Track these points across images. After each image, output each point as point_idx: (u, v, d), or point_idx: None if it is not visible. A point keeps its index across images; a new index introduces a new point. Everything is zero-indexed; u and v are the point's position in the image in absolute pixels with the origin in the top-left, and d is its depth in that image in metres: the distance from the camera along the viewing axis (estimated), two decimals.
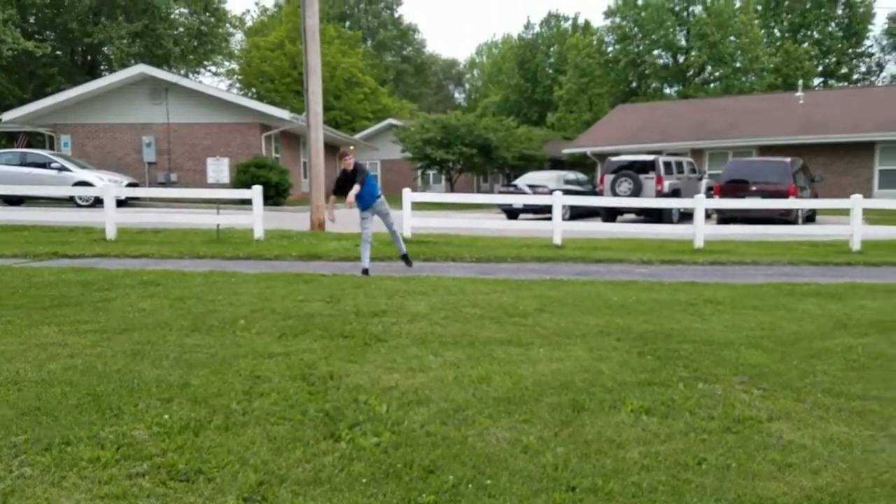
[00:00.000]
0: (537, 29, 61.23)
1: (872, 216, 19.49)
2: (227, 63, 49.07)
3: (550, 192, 15.59)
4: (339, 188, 9.99)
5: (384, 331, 6.10)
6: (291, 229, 15.07)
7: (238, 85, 52.02)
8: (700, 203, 13.72)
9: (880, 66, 55.67)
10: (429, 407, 4.18)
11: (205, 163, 25.93)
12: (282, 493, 3.07)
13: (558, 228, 13.82)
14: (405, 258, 10.65)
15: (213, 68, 48.01)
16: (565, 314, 7.03)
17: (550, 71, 57.99)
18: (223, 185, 24.61)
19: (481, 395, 4.41)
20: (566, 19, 61.21)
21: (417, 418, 3.98)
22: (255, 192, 13.54)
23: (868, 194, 25.35)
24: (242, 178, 23.12)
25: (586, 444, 3.69)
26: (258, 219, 13.44)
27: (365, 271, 9.71)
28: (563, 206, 21.38)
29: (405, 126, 37.12)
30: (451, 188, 35.82)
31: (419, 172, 37.20)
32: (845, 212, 15.70)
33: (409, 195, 13.71)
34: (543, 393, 4.50)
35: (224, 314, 6.62)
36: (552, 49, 59.29)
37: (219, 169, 25.50)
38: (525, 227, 15.95)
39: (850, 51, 53.22)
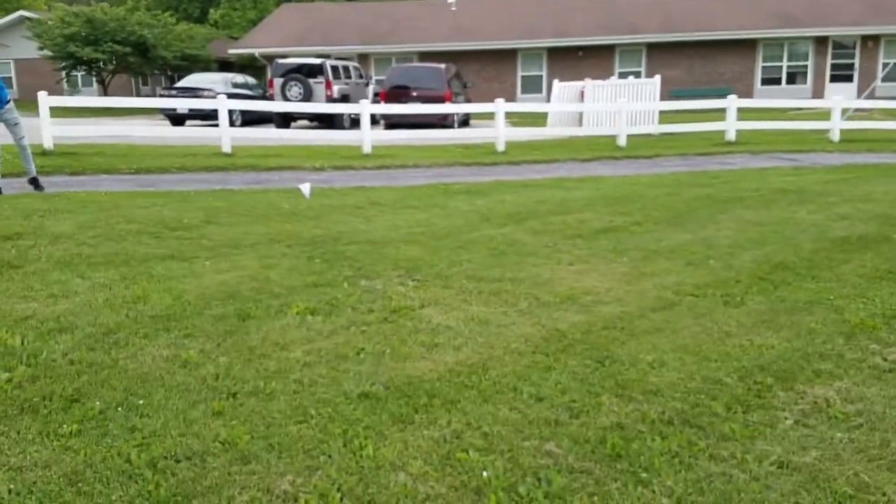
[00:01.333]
0: None
1: (516, 119, 21.99)
2: None
3: (216, 95, 14.75)
4: None
5: (18, 256, 5.35)
6: None
7: None
8: (365, 109, 14.11)
9: None
10: (73, 334, 3.81)
11: None
12: None
13: (226, 135, 13.22)
14: (34, 182, 9.03)
15: None
16: (234, 224, 6.85)
17: None
18: None
19: (136, 315, 4.14)
20: None
21: (59, 347, 3.61)
22: None
23: (512, 99, 28.40)
24: None
25: (250, 350, 3.69)
26: None
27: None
28: (235, 112, 20.64)
29: (42, 19, 31.86)
30: (105, 92, 32.01)
31: (64, 74, 32.53)
32: (492, 116, 17.38)
33: (45, 99, 11.89)
34: (207, 306, 4.37)
35: None
36: None
37: None
38: (190, 134, 14.98)
39: None
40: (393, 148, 14.84)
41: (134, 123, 19.32)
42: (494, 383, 3.34)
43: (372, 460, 2.62)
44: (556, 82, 20.23)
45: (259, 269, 5.27)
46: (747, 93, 27.54)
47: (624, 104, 15.66)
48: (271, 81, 21.64)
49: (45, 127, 11.90)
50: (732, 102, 15.99)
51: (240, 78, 24.23)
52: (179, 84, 22.14)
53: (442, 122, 18.56)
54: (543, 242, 6.39)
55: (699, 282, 5.12)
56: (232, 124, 19.32)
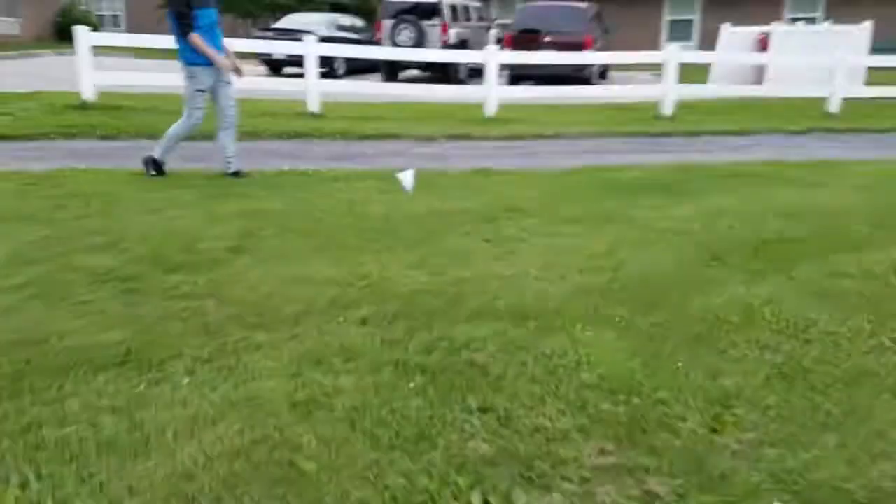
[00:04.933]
0: None
1: (657, 71, 17.92)
2: None
3: (321, 39, 11.80)
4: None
5: None
6: None
7: None
8: (491, 57, 10.81)
9: None
10: None
11: None
12: None
13: (314, 90, 10.31)
14: (237, 175, 6.13)
15: None
16: (281, 256, 4.00)
17: None
18: None
19: None
20: None
21: None
22: None
23: (656, 47, 24.23)
24: None
25: None
26: None
27: (155, 164, 6.10)
28: (338, 60, 17.82)
29: None
30: None
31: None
32: (632, 67, 13.65)
33: (85, 35, 8.77)
34: None
35: None
36: None
37: None
38: (270, 87, 11.98)
39: None
40: (521, 108, 11.52)
41: None
42: None
43: None
44: (725, 26, 16.18)
45: (286, 412, 2.35)
46: None
47: (843, 56, 11.57)
48: (379, 24, 18.69)
49: (85, 72, 9.18)
50: None
51: (346, 20, 21.42)
52: (277, 25, 19.53)
53: (578, 73, 14.96)
54: (866, 329, 3.17)
55: None
56: (334, 75, 16.60)
